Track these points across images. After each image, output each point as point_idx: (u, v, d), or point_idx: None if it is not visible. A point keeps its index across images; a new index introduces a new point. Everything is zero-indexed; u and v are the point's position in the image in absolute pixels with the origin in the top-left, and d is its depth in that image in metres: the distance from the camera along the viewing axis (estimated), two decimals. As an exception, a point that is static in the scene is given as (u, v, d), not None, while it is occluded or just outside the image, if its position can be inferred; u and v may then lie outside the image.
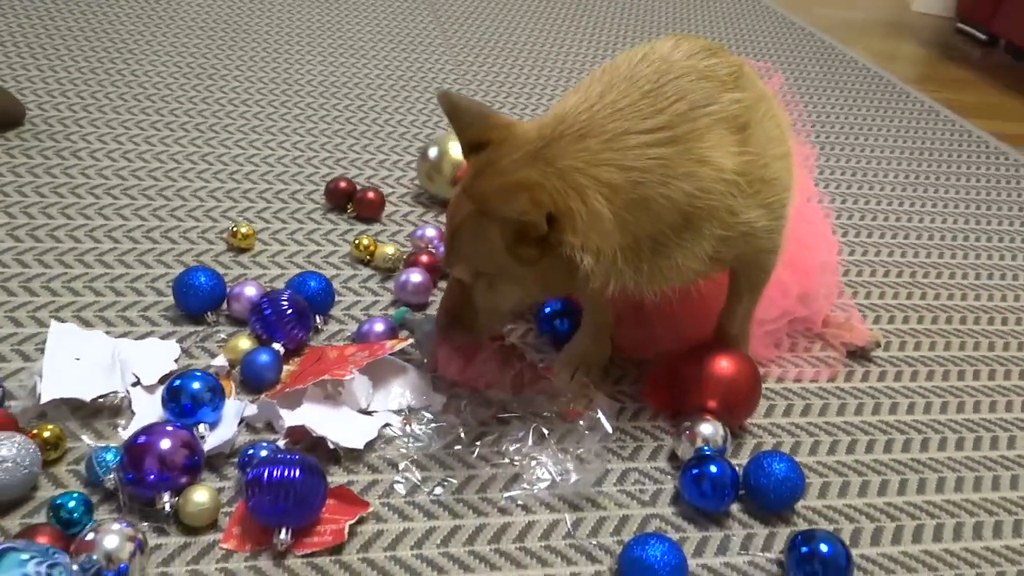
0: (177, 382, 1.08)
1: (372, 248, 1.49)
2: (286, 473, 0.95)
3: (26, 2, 2.64)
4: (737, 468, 1.10)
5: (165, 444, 0.97)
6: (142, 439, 0.97)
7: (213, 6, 2.66)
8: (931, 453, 1.26)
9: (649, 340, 1.33)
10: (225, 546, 0.95)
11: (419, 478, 1.08)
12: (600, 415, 1.13)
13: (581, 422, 1.13)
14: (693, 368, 1.20)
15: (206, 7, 2.64)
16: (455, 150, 1.67)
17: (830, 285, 1.47)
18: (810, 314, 1.43)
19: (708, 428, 1.13)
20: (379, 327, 1.27)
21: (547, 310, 1.35)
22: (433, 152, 1.70)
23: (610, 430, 1.12)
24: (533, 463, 1.10)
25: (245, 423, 1.11)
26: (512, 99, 2.32)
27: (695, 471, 1.07)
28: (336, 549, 0.97)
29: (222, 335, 1.27)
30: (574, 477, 1.08)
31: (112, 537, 0.87)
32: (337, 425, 1.10)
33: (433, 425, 1.14)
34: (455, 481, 1.08)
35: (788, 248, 1.34)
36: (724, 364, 1.18)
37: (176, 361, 1.20)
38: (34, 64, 2.09)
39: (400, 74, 2.34)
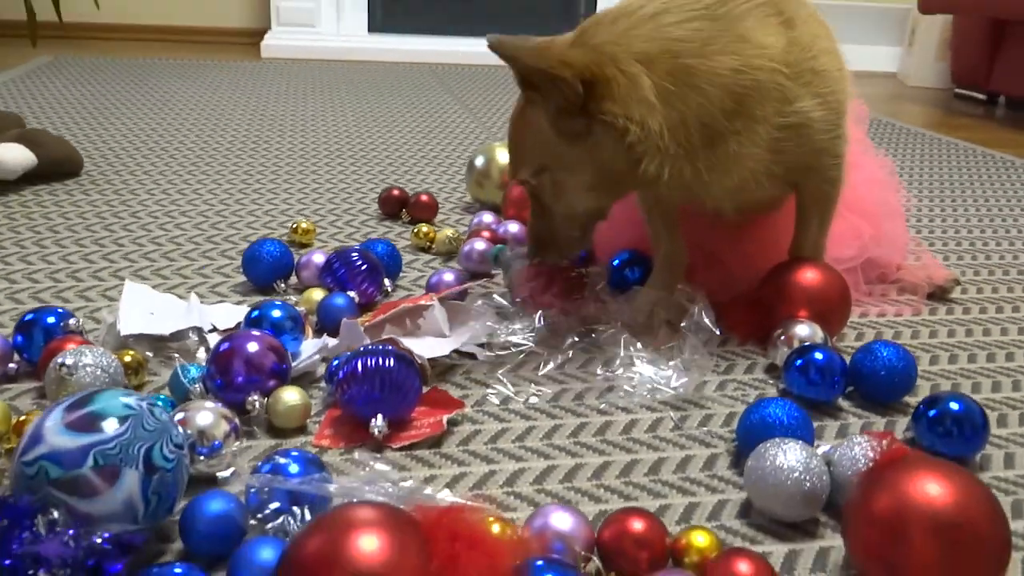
0: (256, 313, 1.06)
1: (432, 235, 1.50)
2: (380, 362, 0.91)
3: (84, 71, 2.81)
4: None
5: (252, 347, 0.94)
6: (227, 345, 0.94)
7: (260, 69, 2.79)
8: (1037, 363, 1.20)
9: (724, 283, 1.30)
10: (319, 444, 0.90)
11: (512, 390, 1.03)
12: (702, 315, 1.08)
13: (683, 324, 1.09)
14: (775, 285, 1.16)
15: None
16: (501, 156, 1.70)
17: (900, 229, 1.44)
18: (884, 255, 1.40)
19: (805, 329, 1.09)
20: (448, 276, 1.25)
21: (616, 261, 1.33)
22: (480, 160, 1.73)
23: (716, 330, 1.08)
24: (630, 372, 1.05)
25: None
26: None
27: (799, 361, 1.02)
28: (435, 442, 0.92)
29: (293, 298, 1.25)
30: (675, 381, 1.03)
31: (205, 414, 0.82)
32: (420, 345, 1.06)
33: (520, 347, 1.10)
34: (548, 391, 1.03)
35: (850, 193, 1.35)
36: (809, 274, 1.15)
37: (249, 318, 1.18)
38: (90, 121, 2.20)
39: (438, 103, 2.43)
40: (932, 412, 0.93)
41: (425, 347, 1.05)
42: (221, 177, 1.89)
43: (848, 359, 1.06)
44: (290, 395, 0.92)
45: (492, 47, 1.00)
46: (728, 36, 0.99)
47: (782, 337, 1.09)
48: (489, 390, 1.03)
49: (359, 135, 2.37)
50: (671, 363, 1.05)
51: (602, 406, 1.01)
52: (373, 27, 4.12)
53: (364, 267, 1.21)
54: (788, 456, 0.79)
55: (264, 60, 3.76)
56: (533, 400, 1.01)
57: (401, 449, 0.90)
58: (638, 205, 1.27)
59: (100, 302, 1.23)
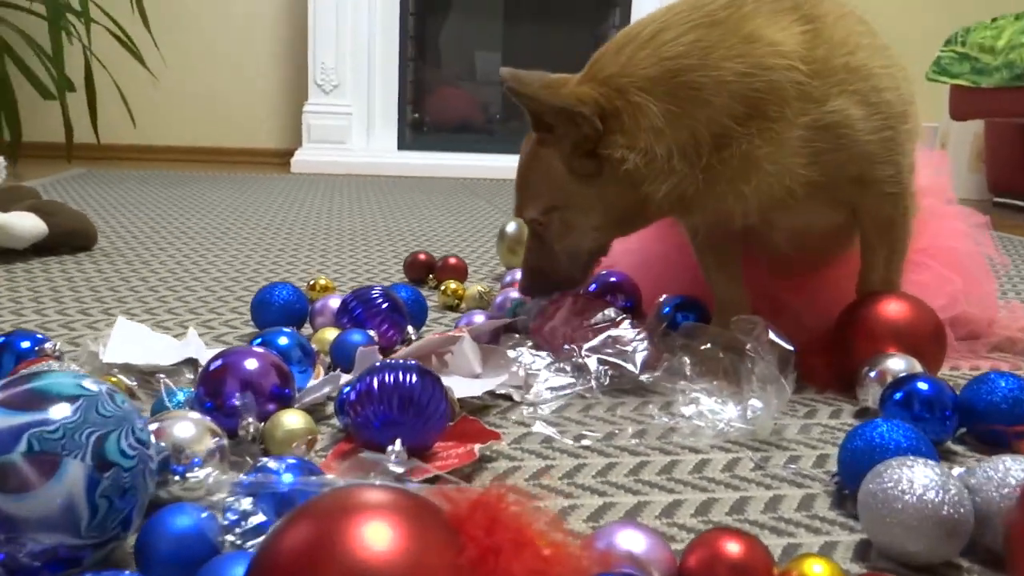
0: (259, 340, 0.92)
1: (460, 292, 1.37)
2: (400, 378, 0.76)
3: (116, 179, 2.78)
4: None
5: (251, 364, 0.79)
6: (220, 362, 0.80)
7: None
8: None
9: (791, 330, 1.15)
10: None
11: (555, 430, 0.86)
12: (774, 336, 0.92)
13: (748, 350, 0.92)
14: (855, 321, 1.01)
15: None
16: (536, 221, 1.59)
17: (989, 285, 1.28)
18: (975, 312, 1.24)
19: (899, 362, 0.92)
20: (479, 318, 1.11)
21: (666, 308, 1.18)
22: (512, 227, 1.63)
23: (789, 346, 0.92)
24: (693, 410, 0.89)
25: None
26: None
27: (899, 394, 0.85)
28: (465, 476, 0.75)
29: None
30: (749, 414, 0.86)
31: (186, 425, 0.67)
32: (448, 381, 0.90)
33: (561, 392, 0.95)
34: (598, 434, 0.86)
35: (932, 242, 1.21)
36: (894, 307, 1.00)
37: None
38: (114, 214, 2.13)
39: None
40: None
41: (455, 385, 0.90)
42: (240, 253, 1.79)
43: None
44: (291, 419, 0.76)
45: (507, 81, 0.96)
46: (732, 39, 0.92)
47: (872, 374, 0.92)
48: (531, 428, 0.87)
49: (385, 224, 2.29)
50: (742, 394, 0.89)
51: (665, 445, 0.84)
52: (403, 146, 4.16)
53: (385, 306, 1.08)
54: (917, 476, 0.62)
55: (294, 174, 3.78)
56: (585, 442, 0.84)
57: (424, 482, 0.73)
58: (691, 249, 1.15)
59: (90, 348, 1.09)
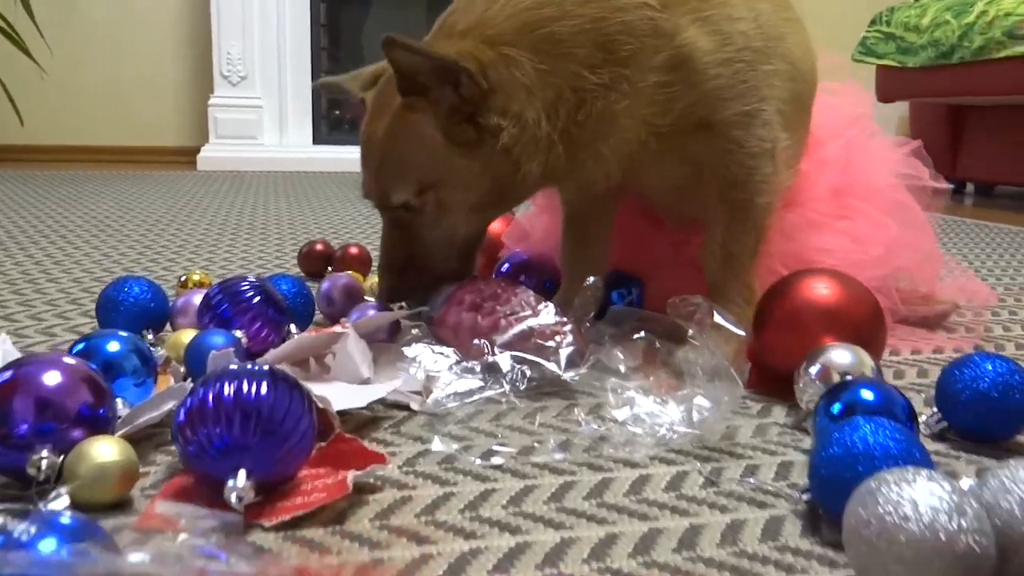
0: (81, 345, 0.72)
1: (360, 280, 1.18)
2: (245, 388, 0.57)
3: None
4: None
5: (51, 378, 0.60)
6: (9, 374, 0.60)
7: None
8: None
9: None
10: (144, 527, 0.55)
11: (457, 447, 0.69)
12: (720, 318, 0.77)
13: (690, 338, 0.77)
14: (779, 312, 0.85)
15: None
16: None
17: (928, 240, 1.14)
18: (911, 267, 1.10)
19: (844, 355, 0.75)
20: (373, 312, 0.93)
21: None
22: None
23: (741, 332, 0.77)
24: (627, 414, 0.73)
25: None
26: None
27: (836, 406, 0.68)
28: (335, 516, 0.57)
29: (163, 353, 0.92)
30: (696, 414, 0.70)
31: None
32: (327, 390, 0.73)
33: (468, 399, 0.78)
34: (512, 449, 0.70)
35: (859, 181, 1.09)
36: (821, 287, 0.83)
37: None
38: None
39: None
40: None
41: (334, 394, 0.72)
42: (114, 251, 1.57)
43: (923, 389, 0.75)
44: (102, 448, 0.57)
45: (388, 42, 0.79)
46: None
47: (812, 371, 0.75)
48: (429, 444, 0.69)
49: (290, 217, 2.08)
50: (684, 393, 0.73)
51: (595, 460, 0.68)
52: (318, 140, 3.93)
53: (256, 300, 0.89)
54: (921, 495, 0.47)
55: (200, 172, 3.53)
56: (496, 460, 0.67)
57: (277, 528, 0.55)
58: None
59: None
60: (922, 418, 0.74)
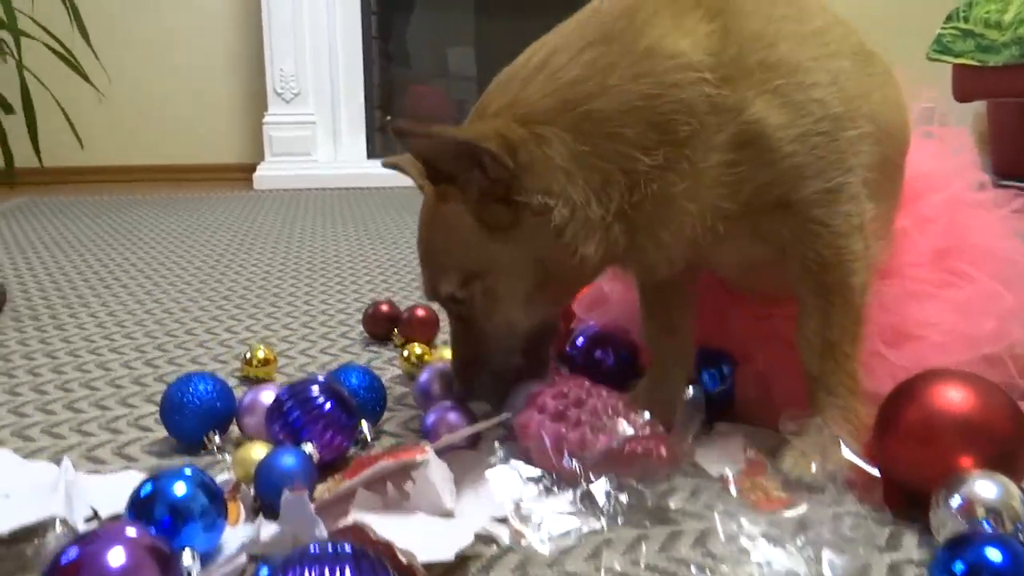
0: (149, 487, 0.67)
1: (427, 356, 1.12)
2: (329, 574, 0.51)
3: (60, 210, 2.52)
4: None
5: (116, 558, 0.55)
6: (75, 553, 0.55)
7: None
8: None
9: (760, 388, 0.94)
10: None
11: (557, 601, 0.63)
12: (848, 453, 0.69)
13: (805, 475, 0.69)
14: (907, 422, 0.75)
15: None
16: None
17: None
18: None
19: (990, 488, 0.67)
20: (453, 416, 0.87)
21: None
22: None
23: (875, 472, 0.69)
24: (742, 556, 0.65)
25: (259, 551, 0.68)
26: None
27: (959, 565, 0.59)
28: None
29: (229, 459, 0.87)
30: (827, 569, 0.62)
31: None
32: (409, 531, 0.66)
33: (560, 531, 0.71)
34: (617, 602, 0.63)
35: (965, 242, 0.98)
36: (955, 395, 0.74)
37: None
38: (44, 258, 1.90)
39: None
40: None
41: (416, 535, 0.66)
42: (176, 306, 1.54)
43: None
44: (173, 642, 0.52)
45: (398, 132, 0.75)
46: (632, 56, 0.76)
47: (954, 503, 0.67)
48: (521, 603, 0.63)
49: (350, 252, 2.04)
50: (813, 539, 0.65)
51: (713, 624, 0.60)
52: (372, 154, 3.90)
53: (328, 406, 0.83)
54: None
55: (257, 191, 3.52)
56: (596, 617, 0.61)
57: None
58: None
59: None
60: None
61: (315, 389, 0.84)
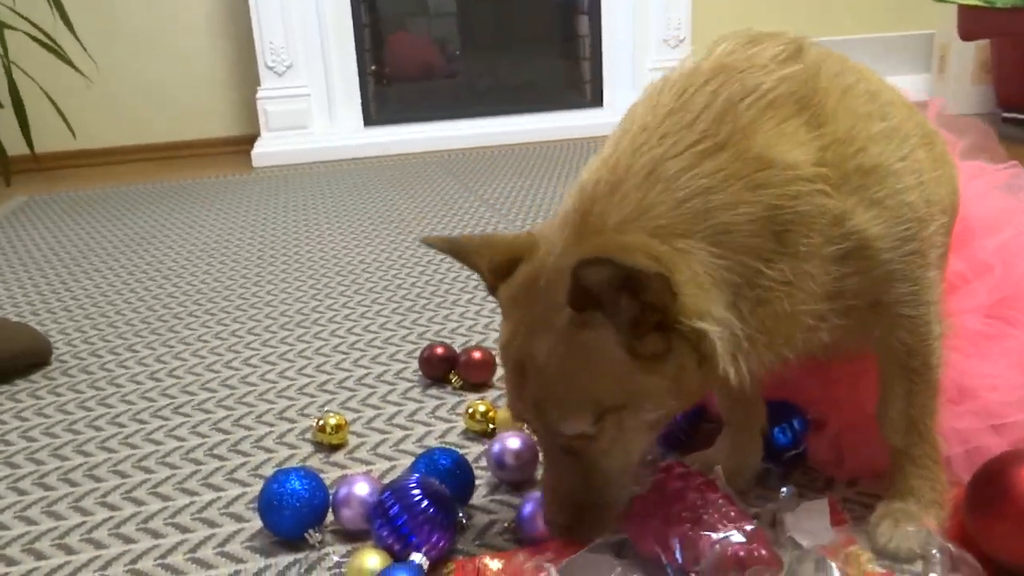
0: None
1: (492, 413, 1.15)
2: None
3: (61, 211, 2.51)
4: None
5: None
6: None
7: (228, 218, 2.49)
8: None
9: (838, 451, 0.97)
10: None
11: None
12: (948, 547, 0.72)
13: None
14: (1002, 499, 0.79)
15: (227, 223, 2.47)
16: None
17: None
18: None
19: None
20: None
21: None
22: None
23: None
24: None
25: None
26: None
27: None
28: None
29: (334, 558, 0.90)
30: None
31: None
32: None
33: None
34: None
35: (1020, 288, 1.00)
36: None
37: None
38: (63, 276, 1.91)
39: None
40: None
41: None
42: (222, 345, 1.55)
43: None
44: None
45: (582, 266, 0.68)
46: (747, 165, 0.73)
47: None
48: None
49: (375, 256, 2.03)
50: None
51: None
52: (368, 121, 3.84)
53: (432, 510, 0.86)
54: None
55: (257, 170, 3.47)
56: None
57: None
58: None
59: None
60: None
61: (416, 492, 0.87)
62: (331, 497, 0.95)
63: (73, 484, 1.09)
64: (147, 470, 1.12)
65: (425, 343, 1.42)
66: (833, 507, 0.89)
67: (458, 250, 0.82)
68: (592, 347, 0.72)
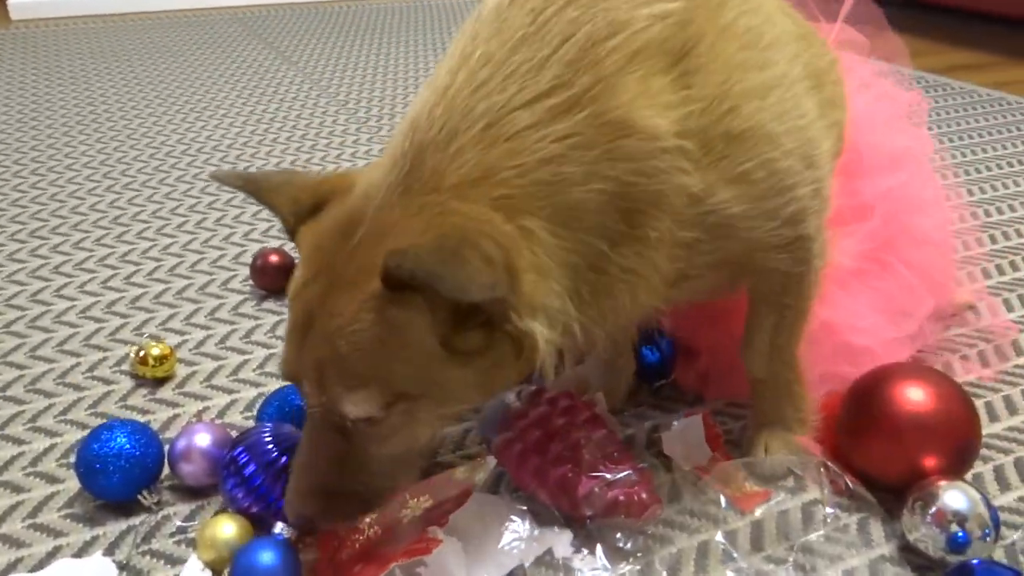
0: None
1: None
2: None
3: None
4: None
5: None
6: None
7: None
8: None
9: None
10: None
11: None
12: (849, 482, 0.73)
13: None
14: (871, 418, 0.80)
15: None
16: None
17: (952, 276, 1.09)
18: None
19: (959, 499, 0.73)
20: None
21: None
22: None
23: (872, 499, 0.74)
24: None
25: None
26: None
27: None
28: None
29: (176, 521, 0.78)
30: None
31: None
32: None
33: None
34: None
35: (900, 235, 1.00)
36: (916, 395, 0.79)
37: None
38: None
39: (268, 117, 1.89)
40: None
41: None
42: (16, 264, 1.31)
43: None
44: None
45: (392, 263, 0.58)
46: (603, 131, 0.64)
47: (927, 516, 0.73)
48: None
49: (180, 136, 1.79)
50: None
51: None
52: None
53: (284, 460, 0.75)
54: None
55: (16, 24, 2.95)
56: None
57: None
58: None
59: None
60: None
61: (271, 446, 0.76)
62: (166, 449, 0.82)
63: None
64: (-79, 422, 0.93)
65: (255, 247, 1.26)
66: (708, 424, 0.88)
67: (255, 189, 0.70)
68: (400, 327, 0.61)
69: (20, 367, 1.03)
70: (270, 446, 0.76)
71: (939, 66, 2.43)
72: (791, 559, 0.74)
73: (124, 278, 1.23)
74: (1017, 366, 1.02)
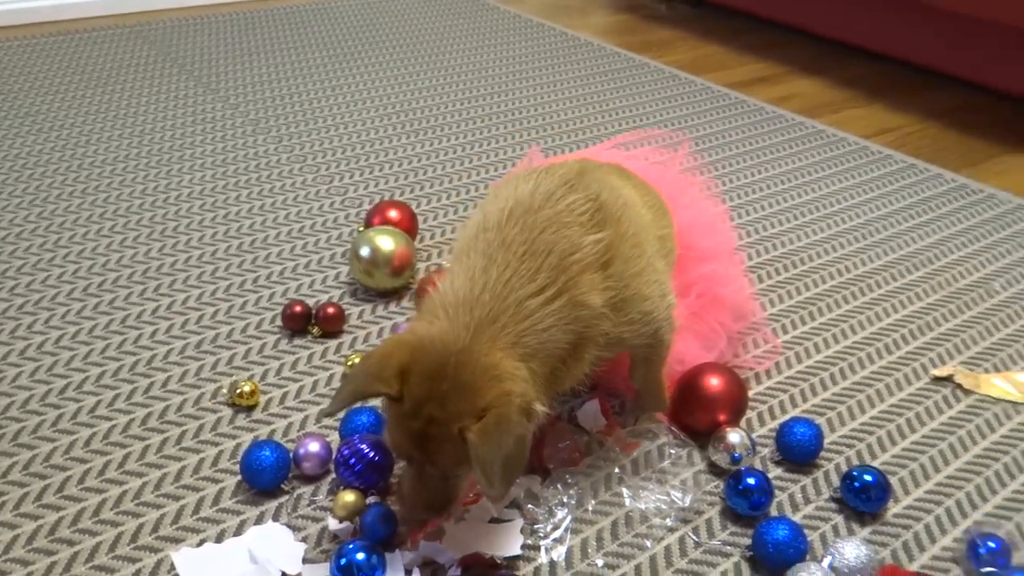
0: (344, 560, 1.15)
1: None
2: None
3: None
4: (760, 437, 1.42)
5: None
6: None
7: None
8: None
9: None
10: None
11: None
12: (681, 434, 1.38)
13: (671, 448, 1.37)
14: (692, 395, 1.45)
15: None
16: (383, 242, 1.77)
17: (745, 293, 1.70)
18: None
19: (736, 436, 1.40)
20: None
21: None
22: (365, 251, 1.76)
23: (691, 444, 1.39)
24: (640, 503, 1.33)
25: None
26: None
27: (856, 484, 1.32)
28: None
29: (307, 496, 1.32)
30: (687, 499, 1.33)
31: None
32: (488, 539, 1.23)
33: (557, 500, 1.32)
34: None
35: (717, 301, 1.59)
36: (716, 382, 1.44)
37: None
38: None
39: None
40: (856, 484, 1.33)
41: (498, 547, 1.21)
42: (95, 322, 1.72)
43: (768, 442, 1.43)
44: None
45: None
46: (571, 309, 1.11)
47: (721, 447, 1.40)
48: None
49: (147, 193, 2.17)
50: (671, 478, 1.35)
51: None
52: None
53: (377, 458, 1.31)
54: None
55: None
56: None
57: None
58: None
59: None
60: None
61: (366, 447, 1.31)
62: (291, 455, 1.36)
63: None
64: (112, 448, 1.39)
65: (280, 289, 1.75)
66: (603, 404, 1.51)
67: (359, 397, 1.08)
68: (457, 444, 1.02)
69: (163, 399, 1.49)
70: (367, 449, 1.31)
71: (731, 81, 3.01)
72: (653, 476, 1.38)
73: (180, 327, 1.69)
74: (767, 351, 1.70)
